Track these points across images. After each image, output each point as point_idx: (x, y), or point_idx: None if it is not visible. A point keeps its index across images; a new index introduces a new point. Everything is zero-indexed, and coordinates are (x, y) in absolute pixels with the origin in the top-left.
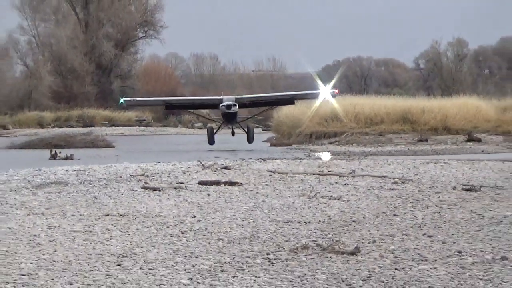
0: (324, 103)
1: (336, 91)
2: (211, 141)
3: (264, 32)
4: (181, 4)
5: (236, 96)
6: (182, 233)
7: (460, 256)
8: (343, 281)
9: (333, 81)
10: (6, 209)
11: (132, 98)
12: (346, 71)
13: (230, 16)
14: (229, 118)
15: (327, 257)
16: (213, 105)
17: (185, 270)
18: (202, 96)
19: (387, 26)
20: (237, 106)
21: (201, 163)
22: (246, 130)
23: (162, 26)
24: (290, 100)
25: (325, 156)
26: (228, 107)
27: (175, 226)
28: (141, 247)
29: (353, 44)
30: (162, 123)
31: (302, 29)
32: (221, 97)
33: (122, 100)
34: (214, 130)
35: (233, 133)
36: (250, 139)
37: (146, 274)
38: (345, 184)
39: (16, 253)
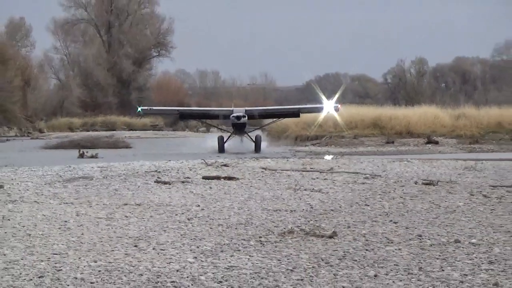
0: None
1: (339, 105)
2: (221, 149)
3: (258, 52)
4: (188, 28)
5: (246, 108)
6: (188, 219)
7: (420, 239)
8: (322, 260)
9: (336, 96)
10: (41, 199)
11: (149, 107)
12: (325, 85)
13: (229, 38)
14: (239, 128)
15: (309, 240)
16: (224, 115)
17: (191, 250)
18: (213, 107)
19: (360, 47)
20: (247, 118)
21: (204, 161)
22: (254, 140)
23: (172, 47)
24: (295, 113)
25: (328, 157)
26: (238, 118)
27: (183, 213)
28: (154, 231)
29: (332, 62)
30: (172, 128)
31: (289, 49)
32: (231, 108)
33: (139, 109)
34: (225, 139)
35: (241, 140)
36: (257, 149)
37: (158, 254)
38: (324, 179)
39: (49, 236)
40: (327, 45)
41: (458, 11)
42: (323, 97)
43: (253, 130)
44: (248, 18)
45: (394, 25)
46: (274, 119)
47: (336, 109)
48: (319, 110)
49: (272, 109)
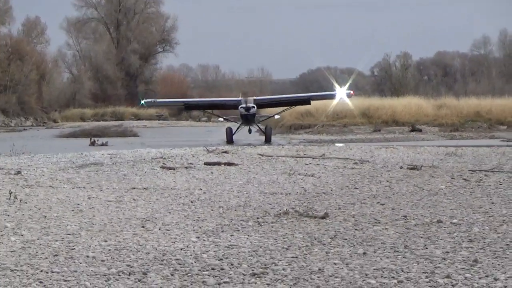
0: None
1: (352, 92)
2: (230, 141)
3: (255, 47)
4: (191, 25)
5: (255, 98)
6: (192, 202)
7: (405, 219)
8: (315, 239)
9: (349, 83)
10: (56, 184)
11: (152, 100)
12: (317, 77)
13: (229, 35)
14: (248, 119)
15: (303, 221)
16: (232, 106)
17: (194, 230)
18: (222, 98)
19: (349, 42)
20: (256, 108)
21: (206, 148)
22: (264, 130)
23: (176, 43)
24: (306, 101)
25: (339, 144)
26: (247, 109)
27: (186, 197)
28: (160, 213)
29: (323, 56)
30: (176, 118)
31: (284, 44)
32: (239, 98)
33: (142, 102)
34: (233, 131)
35: (250, 131)
36: (268, 139)
37: (164, 234)
38: (317, 164)
39: (63, 217)
40: (318, 41)
41: (439, 9)
42: (335, 84)
43: (264, 119)
44: (246, 16)
45: (380, 23)
46: (284, 108)
47: (349, 95)
48: (329, 97)
49: (282, 98)
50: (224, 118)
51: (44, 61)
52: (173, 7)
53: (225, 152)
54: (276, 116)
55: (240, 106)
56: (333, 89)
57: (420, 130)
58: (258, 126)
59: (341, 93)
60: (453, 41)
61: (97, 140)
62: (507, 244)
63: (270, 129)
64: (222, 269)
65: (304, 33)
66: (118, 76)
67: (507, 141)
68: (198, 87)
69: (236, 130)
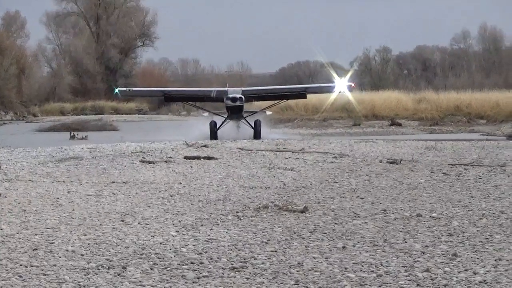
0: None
1: (353, 84)
2: (214, 136)
3: (235, 41)
4: (170, 19)
5: (243, 88)
6: (171, 196)
7: (385, 213)
8: (295, 233)
9: (349, 75)
10: (35, 178)
11: (127, 89)
12: (297, 71)
13: (209, 29)
14: (234, 112)
15: (282, 215)
16: (217, 97)
17: (173, 224)
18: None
19: (329, 36)
20: (244, 99)
21: (186, 142)
22: (253, 125)
23: (156, 37)
24: (301, 94)
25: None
26: (234, 99)
27: (166, 191)
28: (139, 207)
29: (302, 51)
30: (156, 111)
31: (263, 39)
32: (226, 88)
33: (116, 90)
34: (217, 125)
35: (238, 126)
36: (257, 135)
37: (143, 228)
38: (296, 158)
39: (43, 211)
40: (297, 35)
41: (419, 2)
42: (335, 75)
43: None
44: (226, 10)
45: (359, 16)
46: (276, 101)
47: (349, 89)
48: (328, 89)
49: (273, 89)
50: (213, 113)
51: (24, 55)
52: (153, 1)
53: (205, 146)
54: (268, 112)
55: (225, 97)
56: (326, 81)
57: (399, 124)
58: (246, 121)
59: (341, 85)
60: (432, 35)
61: (77, 134)
62: (486, 238)
63: (260, 124)
64: (202, 263)
65: (284, 26)
66: (98, 71)
67: (486, 135)
68: (178, 81)
69: (221, 125)
